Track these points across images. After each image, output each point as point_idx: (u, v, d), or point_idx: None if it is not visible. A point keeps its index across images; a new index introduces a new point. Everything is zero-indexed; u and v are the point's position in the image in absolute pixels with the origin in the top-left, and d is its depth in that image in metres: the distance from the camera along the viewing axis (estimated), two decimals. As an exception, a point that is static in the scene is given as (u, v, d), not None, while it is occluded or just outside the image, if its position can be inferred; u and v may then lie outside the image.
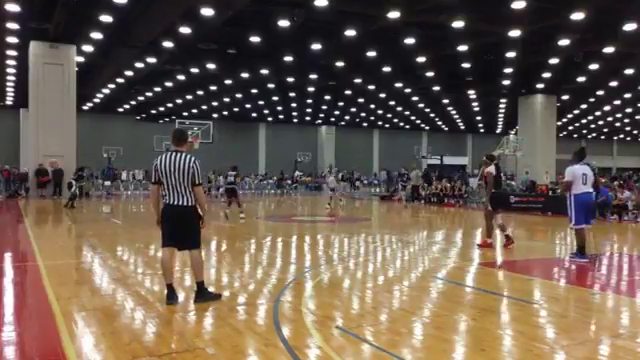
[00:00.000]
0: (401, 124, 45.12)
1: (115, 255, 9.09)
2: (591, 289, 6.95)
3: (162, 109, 36.37)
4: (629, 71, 22.06)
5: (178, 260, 6.99)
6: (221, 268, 8.12)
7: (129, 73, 24.34)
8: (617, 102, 31.04)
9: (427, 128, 47.65)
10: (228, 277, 7.44)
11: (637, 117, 38.10)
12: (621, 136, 51.94)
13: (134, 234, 12.26)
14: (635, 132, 48.03)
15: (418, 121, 43.39)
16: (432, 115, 39.83)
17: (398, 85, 26.81)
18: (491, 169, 9.96)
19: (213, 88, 28.36)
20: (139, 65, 22.61)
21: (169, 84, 27.33)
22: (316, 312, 5.34)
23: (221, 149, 36.46)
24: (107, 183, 31.45)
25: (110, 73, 24.89)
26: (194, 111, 36.54)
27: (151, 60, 21.46)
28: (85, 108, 33.88)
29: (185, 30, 16.98)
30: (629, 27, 15.54)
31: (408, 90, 28.33)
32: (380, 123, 45.02)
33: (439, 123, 44.67)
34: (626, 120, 40.14)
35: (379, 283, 6.98)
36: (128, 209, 21.09)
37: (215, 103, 34.04)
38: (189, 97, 31.29)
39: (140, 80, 26.01)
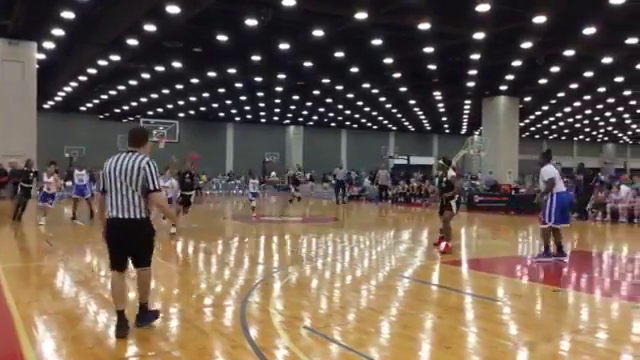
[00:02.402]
0: (369, 124, 45.44)
1: (77, 257, 8.87)
2: (553, 286, 7.13)
3: (126, 108, 35.68)
4: (588, 74, 22.74)
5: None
6: (187, 270, 8.02)
7: (92, 71, 23.78)
8: (577, 104, 31.96)
9: (394, 128, 48.10)
10: (194, 279, 7.35)
11: (596, 118, 39.30)
12: (581, 137, 53.50)
13: (96, 236, 11.97)
14: (594, 133, 49.54)
15: (385, 121, 43.78)
16: (399, 116, 40.23)
17: (366, 85, 26.98)
18: (453, 173, 9.89)
19: (179, 87, 28.00)
20: (103, 63, 22.12)
21: (134, 82, 26.84)
22: (284, 312, 5.32)
23: (188, 149, 35.94)
24: (69, 184, 30.62)
25: (72, 71, 24.29)
26: (159, 110, 35.98)
27: (115, 58, 21.03)
28: (46, 107, 32.93)
29: (150, 28, 16.69)
30: (588, 31, 16.02)
31: (375, 91, 28.54)
32: (348, 123, 45.24)
33: (406, 123, 45.15)
34: (586, 121, 41.36)
35: (347, 283, 7.01)
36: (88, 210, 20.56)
37: (181, 102, 33.59)
38: (154, 96, 30.79)
39: (104, 78, 25.45)
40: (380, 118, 41.74)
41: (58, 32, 18.11)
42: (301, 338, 4.54)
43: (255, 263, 8.46)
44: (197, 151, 33.49)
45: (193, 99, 32.51)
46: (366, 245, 10.94)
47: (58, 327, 4.76)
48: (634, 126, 43.61)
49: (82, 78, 25.57)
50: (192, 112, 38.33)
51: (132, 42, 18.60)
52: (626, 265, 9.01)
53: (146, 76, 25.09)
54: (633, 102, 30.52)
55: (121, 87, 28.39)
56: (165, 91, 29.50)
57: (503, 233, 13.87)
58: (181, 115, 37.41)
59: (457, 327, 4.93)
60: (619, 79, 23.69)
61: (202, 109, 37.11)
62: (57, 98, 31.79)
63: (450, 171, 9.81)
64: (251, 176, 18.97)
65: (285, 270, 7.70)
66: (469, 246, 11.52)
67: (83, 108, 36.49)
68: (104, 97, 31.88)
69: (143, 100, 32.54)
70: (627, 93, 27.47)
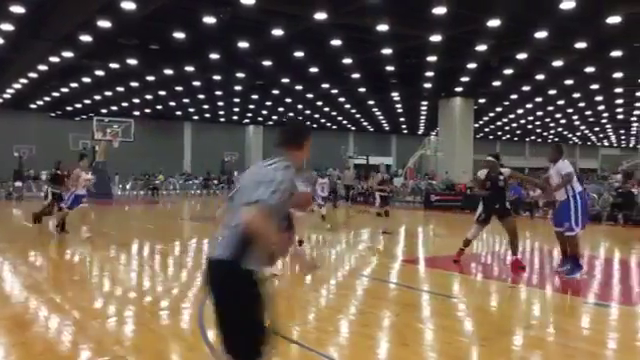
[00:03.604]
0: (328, 124, 45.60)
1: (27, 261, 8.55)
2: (507, 283, 7.34)
3: (79, 106, 34.61)
4: (540, 76, 23.49)
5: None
6: (143, 272, 7.86)
7: (43, 67, 22.95)
8: (529, 105, 32.96)
9: (353, 129, 48.45)
10: (150, 281, 7.20)
11: (547, 120, 40.64)
12: (533, 138, 55.21)
13: (46, 237, 11.56)
14: (545, 134, 51.22)
15: (345, 122, 44.03)
16: (358, 116, 40.53)
17: (325, 85, 27.06)
18: (508, 170, 8.51)
19: (135, 84, 27.36)
20: (54, 59, 21.36)
21: (87, 80, 26.06)
22: (243, 314, 5.27)
23: (143, 148, 35.27)
24: (18, 184, 29.51)
25: (22, 67, 23.38)
26: (114, 108, 35.06)
27: (67, 54, 20.37)
28: (-7, 104, 31.66)
29: (104, 24, 16.24)
30: (540, 35, 16.56)
31: (335, 91, 28.66)
32: (308, 123, 45.29)
33: (365, 124, 45.54)
34: (537, 122, 42.72)
35: (307, 283, 7.01)
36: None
37: (137, 100, 32.85)
38: (108, 93, 29.99)
39: (55, 75, 24.61)
40: (340, 118, 41.97)
41: (6, 27, 17.40)
42: (260, 339, 4.52)
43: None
44: (153, 150, 32.62)
45: (149, 97, 31.85)
46: (324, 244, 10.98)
47: (7, 333, 4.58)
48: (582, 127, 45.34)
49: (32, 75, 24.66)
50: (148, 110, 37.55)
51: (85, 38, 18.07)
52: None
53: (100, 73, 24.41)
54: (582, 104, 31.73)
55: (74, 84, 27.53)
56: (120, 89, 28.79)
57: (458, 231, 14.16)
58: (136, 113, 36.61)
59: (414, 324, 5.01)
60: (569, 82, 24.58)
61: (158, 107, 36.40)
62: (6, 95, 30.56)
63: (506, 169, 8.37)
64: (320, 174, 14.29)
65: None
66: (426, 244, 11.73)
67: (33, 106, 35.18)
68: (56, 94, 30.83)
69: (97, 98, 31.65)
70: (576, 95, 28.52)
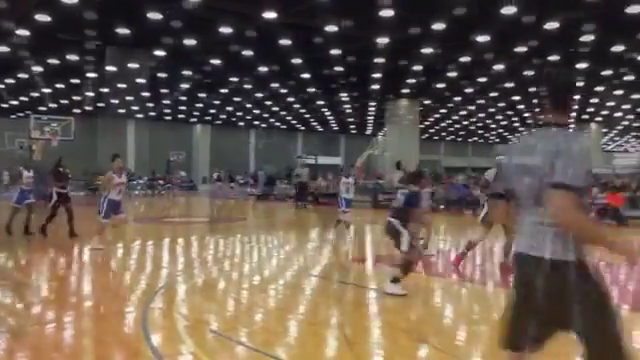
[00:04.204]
0: (277, 124, 45.45)
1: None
2: (453, 279, 7.53)
3: (16, 103, 33.03)
4: (482, 79, 24.27)
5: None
6: (82, 275, 7.58)
7: (-25, 62, 21.78)
8: (472, 107, 34.00)
9: (302, 128, 48.50)
10: (91, 285, 6.95)
11: (488, 121, 42.05)
12: (475, 139, 56.98)
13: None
14: (487, 135, 52.98)
15: (294, 121, 44.02)
16: (307, 116, 40.62)
17: (274, 85, 26.97)
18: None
19: (75, 81, 26.37)
20: (-13, 54, 20.32)
21: (24, 76, 24.89)
22: (189, 317, 5.17)
23: (84, 147, 33.99)
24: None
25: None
26: (53, 106, 33.65)
27: (2, 49, 19.41)
28: None
29: (43, 18, 15.56)
30: (482, 39, 17.12)
31: (284, 90, 28.60)
32: (257, 123, 44.97)
33: (314, 124, 45.68)
34: (479, 124, 44.13)
35: (254, 283, 6.96)
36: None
37: (77, 97, 31.66)
38: (47, 90, 28.75)
39: (-11, 70, 23.40)
40: (288, 118, 41.91)
41: None
42: (207, 342, 4.44)
43: (159, 267, 8.16)
44: (95, 150, 31.44)
45: (91, 94, 30.77)
46: (274, 245, 10.93)
47: None
48: (522, 129, 47.20)
49: (-37, 70, 23.32)
50: (90, 108, 36.24)
51: (22, 32, 17.26)
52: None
53: (38, 69, 23.37)
54: (521, 106, 33.01)
55: (9, 80, 26.24)
56: (60, 85, 27.69)
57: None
58: (77, 111, 35.32)
59: (362, 322, 5.06)
60: (509, 85, 25.52)
61: (101, 105, 35.21)
62: None
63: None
64: (342, 173, 12.72)
65: (191, 273, 7.50)
66: (374, 243, 11.87)
67: (-36, 102, 33.31)
68: (-11, 91, 29.29)
69: (35, 94, 30.29)
70: (515, 98, 29.65)
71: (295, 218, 18.54)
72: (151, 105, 35.39)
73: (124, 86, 27.46)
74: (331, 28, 16.38)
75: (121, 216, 9.72)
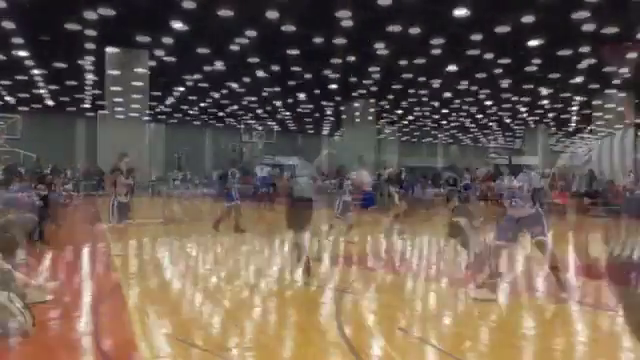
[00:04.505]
0: (233, 123, 44.99)
1: None
2: (402, 275, 7.64)
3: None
4: (436, 81, 24.74)
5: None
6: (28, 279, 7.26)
7: None
8: (426, 108, 34.61)
9: (260, 128, 48.18)
10: (37, 291, 6.67)
11: (443, 122, 42.91)
12: (429, 139, 58.08)
13: None
14: (440, 135, 54.09)
15: (252, 121, 43.68)
16: (265, 116, 40.38)
17: (232, 85, 26.74)
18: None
19: (22, 78, 25.36)
20: None
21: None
22: (145, 320, 5.05)
23: (33, 146, 32.73)
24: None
25: None
26: (-1, 103, 32.31)
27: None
28: None
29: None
30: (436, 41, 17.50)
31: (242, 90, 28.35)
32: (212, 122, 44.42)
33: (271, 123, 45.47)
34: (433, 125, 44.98)
35: (208, 286, 6.86)
36: None
37: (25, 95, 30.42)
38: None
39: None
40: (246, 117, 41.58)
41: None
42: (164, 346, 4.35)
43: (114, 270, 7.92)
44: (44, 148, 30.49)
45: (39, 92, 29.67)
46: (230, 245, 10.82)
47: None
48: (474, 129, 48.47)
49: None
50: (38, 106, 34.92)
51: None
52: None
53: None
54: (473, 109, 33.88)
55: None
56: (5, 82, 26.60)
57: (365, 229, 14.54)
58: (24, 109, 34.02)
59: (319, 322, 5.06)
60: (462, 86, 26.15)
61: (49, 103, 33.96)
62: None
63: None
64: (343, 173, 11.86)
65: (143, 276, 7.33)
66: (334, 244, 11.91)
67: None
68: None
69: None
70: (468, 99, 30.41)
71: (246, 218, 18.37)
72: (102, 103, 34.46)
73: (74, 83, 26.58)
74: (288, 28, 16.37)
75: (129, 221, 9.12)
